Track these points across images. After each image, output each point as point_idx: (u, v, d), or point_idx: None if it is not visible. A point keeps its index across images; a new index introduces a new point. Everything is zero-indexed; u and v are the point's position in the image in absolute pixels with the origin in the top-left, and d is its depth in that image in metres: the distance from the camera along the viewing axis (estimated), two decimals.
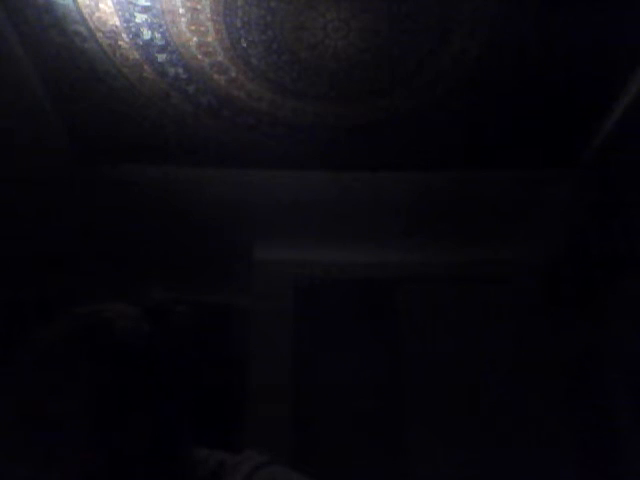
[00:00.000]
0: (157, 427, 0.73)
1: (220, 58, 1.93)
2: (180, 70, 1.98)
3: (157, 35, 1.84)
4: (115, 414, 0.70)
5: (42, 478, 0.68)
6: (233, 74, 2.00)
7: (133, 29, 1.82)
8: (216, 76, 2.01)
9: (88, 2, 1.72)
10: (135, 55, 1.92)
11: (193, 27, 1.81)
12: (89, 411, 0.69)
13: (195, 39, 1.85)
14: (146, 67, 1.97)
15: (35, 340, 0.74)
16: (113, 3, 1.73)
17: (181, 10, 1.75)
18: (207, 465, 0.76)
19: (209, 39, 1.86)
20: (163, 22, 1.79)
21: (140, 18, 1.78)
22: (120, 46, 1.88)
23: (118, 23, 1.79)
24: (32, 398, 0.70)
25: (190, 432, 0.78)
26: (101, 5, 1.73)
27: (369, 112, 2.19)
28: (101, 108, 2.16)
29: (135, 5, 1.73)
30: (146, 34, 1.83)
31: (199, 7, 1.74)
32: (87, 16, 1.77)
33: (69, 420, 0.69)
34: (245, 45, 1.88)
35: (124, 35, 1.84)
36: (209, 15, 1.77)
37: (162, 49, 1.89)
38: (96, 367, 0.71)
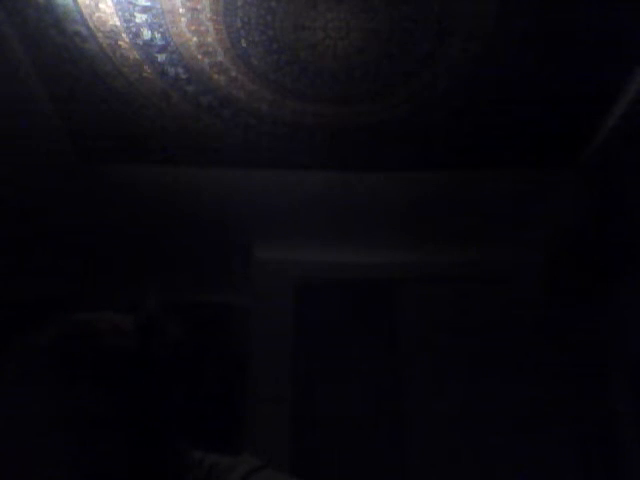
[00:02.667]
0: (145, 434, 0.73)
1: (220, 58, 1.93)
2: (180, 70, 1.98)
3: (157, 35, 1.84)
4: (100, 422, 0.70)
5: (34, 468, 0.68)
6: (233, 74, 2.00)
7: (133, 29, 1.82)
8: (216, 76, 2.01)
9: (88, 2, 1.72)
10: (135, 55, 1.92)
11: (193, 27, 1.81)
12: (74, 419, 0.69)
13: (195, 39, 1.85)
14: (146, 67, 1.97)
15: (20, 348, 0.73)
16: (113, 3, 1.73)
17: (181, 10, 1.75)
18: (202, 468, 0.76)
19: (209, 39, 1.85)
20: (163, 22, 1.79)
21: (140, 18, 1.78)
22: (120, 46, 1.88)
23: (118, 23, 1.79)
24: (16, 406, 0.69)
25: (184, 436, 0.78)
26: (101, 5, 1.73)
27: (369, 112, 2.19)
28: (101, 108, 2.16)
29: (135, 5, 1.73)
30: (146, 34, 1.83)
31: (199, 7, 1.74)
32: (87, 16, 1.77)
33: (54, 429, 0.68)
34: (245, 45, 1.88)
35: (124, 35, 1.84)
36: (209, 15, 1.77)
37: (162, 49, 1.89)
38: (80, 376, 0.71)
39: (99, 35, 1.84)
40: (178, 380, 0.77)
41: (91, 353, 0.72)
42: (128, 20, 1.78)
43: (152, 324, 0.76)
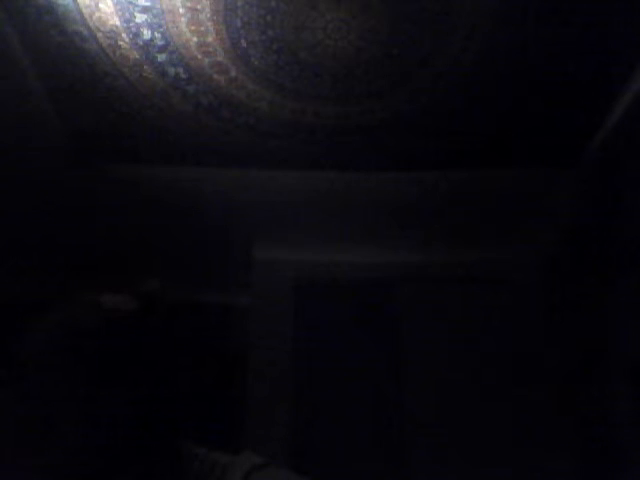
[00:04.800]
0: (143, 419, 0.74)
1: (220, 58, 1.93)
2: (180, 70, 1.98)
3: (157, 35, 1.84)
4: (99, 402, 0.71)
5: (34, 465, 0.69)
6: (233, 74, 2.00)
7: (133, 29, 1.82)
8: (216, 76, 2.01)
9: (88, 2, 1.72)
10: (135, 55, 1.92)
11: (193, 27, 1.81)
12: (77, 400, 0.70)
13: (195, 39, 1.85)
14: (146, 67, 1.97)
15: (29, 334, 0.75)
16: (113, 3, 1.73)
17: (181, 10, 1.75)
18: (204, 464, 0.77)
19: (209, 39, 1.86)
20: (163, 22, 1.79)
21: (140, 18, 1.78)
22: (120, 46, 1.88)
23: (118, 23, 1.79)
24: (28, 391, 0.71)
25: (183, 428, 0.79)
26: (101, 5, 1.73)
27: (369, 112, 2.19)
28: (101, 108, 2.16)
29: (135, 5, 1.73)
30: (146, 34, 1.83)
31: (199, 7, 1.74)
32: (87, 16, 1.77)
33: (58, 412, 0.70)
34: (245, 45, 1.88)
35: (124, 35, 1.84)
36: (209, 15, 1.77)
37: (162, 49, 1.89)
38: (80, 357, 0.72)
39: (99, 35, 1.84)
40: (173, 358, 0.78)
41: (93, 322, 0.74)
42: (128, 20, 1.78)
43: (151, 296, 0.79)
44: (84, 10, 1.75)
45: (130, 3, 1.73)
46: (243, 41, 1.86)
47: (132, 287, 0.80)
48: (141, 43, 1.87)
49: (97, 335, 0.73)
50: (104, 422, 0.70)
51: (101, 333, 0.73)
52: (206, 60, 1.94)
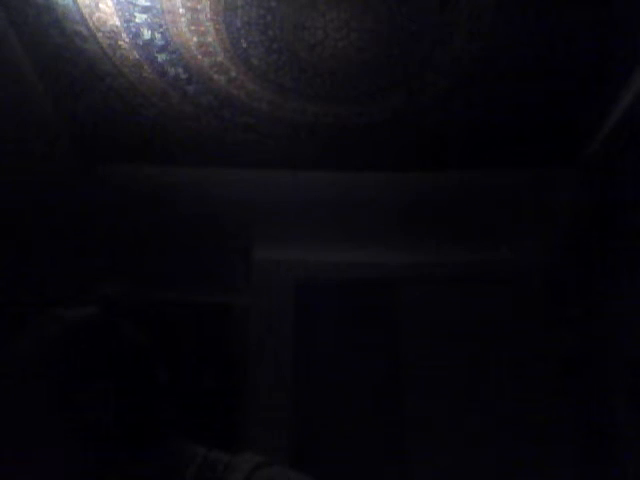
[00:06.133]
0: (140, 419, 0.74)
1: (220, 58, 1.93)
2: (180, 70, 1.98)
3: (157, 35, 1.84)
4: (86, 406, 0.71)
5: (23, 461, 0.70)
6: (233, 74, 2.00)
7: (133, 29, 1.82)
8: (216, 76, 2.01)
9: (88, 2, 1.72)
10: (135, 55, 1.92)
11: (193, 27, 1.81)
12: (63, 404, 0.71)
13: (195, 39, 1.85)
14: (146, 67, 1.97)
15: (16, 342, 0.76)
16: (113, 3, 1.73)
17: (181, 10, 1.75)
18: (204, 463, 0.77)
19: (209, 39, 1.85)
20: (163, 22, 1.79)
21: (140, 18, 1.78)
22: (120, 46, 1.88)
23: (118, 23, 1.79)
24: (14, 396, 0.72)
25: (184, 428, 0.79)
26: (101, 5, 1.73)
27: (369, 112, 2.19)
28: (101, 108, 2.16)
29: (135, 5, 1.73)
30: (146, 34, 1.83)
31: (199, 7, 1.74)
32: (87, 16, 1.77)
33: (44, 412, 0.70)
34: (245, 45, 1.88)
35: (124, 35, 1.84)
36: (209, 15, 1.77)
37: (162, 49, 1.89)
38: (57, 363, 0.73)
39: (99, 35, 1.84)
40: (151, 356, 0.79)
41: (58, 332, 0.76)
42: (128, 20, 1.78)
43: (107, 299, 0.80)
44: (84, 10, 1.75)
45: (130, 3, 1.73)
46: (243, 41, 1.86)
47: (89, 293, 0.81)
48: (141, 43, 1.87)
49: (64, 343, 0.74)
50: (96, 423, 0.71)
51: (68, 341, 0.74)
52: (206, 60, 1.94)
